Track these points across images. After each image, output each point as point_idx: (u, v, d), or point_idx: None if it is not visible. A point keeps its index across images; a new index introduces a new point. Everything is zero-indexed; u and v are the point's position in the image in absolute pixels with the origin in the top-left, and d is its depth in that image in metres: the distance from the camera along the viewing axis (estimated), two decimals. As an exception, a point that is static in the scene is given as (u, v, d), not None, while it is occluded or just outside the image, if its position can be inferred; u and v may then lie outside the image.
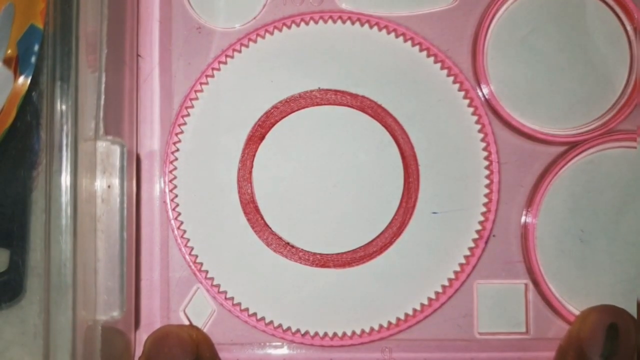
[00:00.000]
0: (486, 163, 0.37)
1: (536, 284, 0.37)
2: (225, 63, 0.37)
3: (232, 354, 0.37)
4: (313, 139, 0.37)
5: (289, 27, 0.38)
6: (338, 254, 0.37)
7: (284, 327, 0.37)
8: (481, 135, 0.37)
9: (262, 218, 0.37)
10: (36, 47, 0.33)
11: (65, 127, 0.30)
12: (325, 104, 0.37)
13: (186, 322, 0.37)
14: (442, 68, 0.37)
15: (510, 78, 0.37)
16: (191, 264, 0.37)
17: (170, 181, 0.37)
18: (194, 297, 0.37)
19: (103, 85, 0.31)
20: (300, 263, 0.37)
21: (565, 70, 0.37)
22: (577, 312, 0.36)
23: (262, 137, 0.37)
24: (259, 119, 0.37)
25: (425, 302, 0.37)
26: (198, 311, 0.37)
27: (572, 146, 0.37)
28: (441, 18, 0.38)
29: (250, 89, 0.37)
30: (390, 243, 0.37)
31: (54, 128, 0.30)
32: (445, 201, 0.37)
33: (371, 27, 0.37)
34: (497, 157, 0.37)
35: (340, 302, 0.37)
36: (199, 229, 0.37)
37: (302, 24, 0.37)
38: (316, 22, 0.38)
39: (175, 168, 0.37)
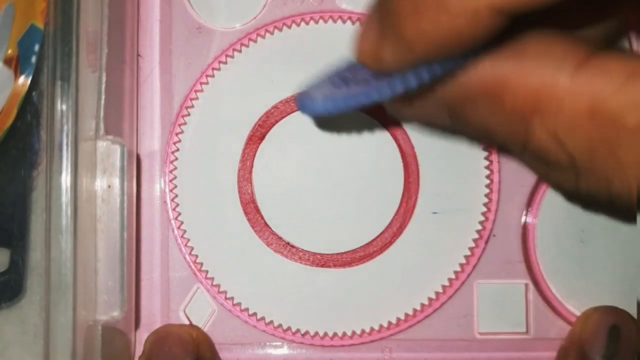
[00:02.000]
0: (486, 163, 0.37)
1: (536, 284, 0.37)
2: (226, 63, 0.37)
3: (232, 354, 0.37)
4: (313, 139, 0.37)
5: (289, 27, 0.38)
6: (338, 254, 0.37)
7: (284, 327, 0.37)
8: (481, 135, 0.37)
9: (262, 218, 0.37)
10: (36, 47, 0.33)
11: (65, 127, 0.30)
12: (325, 104, 0.37)
13: (186, 322, 0.37)
14: (442, 68, 0.37)
15: (510, 78, 0.37)
16: (191, 264, 0.37)
17: (171, 181, 0.37)
18: (194, 297, 0.37)
19: (103, 85, 0.31)
20: (300, 263, 0.37)
21: (565, 70, 0.37)
22: (577, 312, 0.36)
23: (262, 137, 0.37)
24: (259, 119, 0.37)
25: (425, 302, 0.37)
26: (198, 311, 0.37)
27: (572, 146, 0.37)
28: (441, 18, 0.37)
29: (251, 89, 0.37)
30: (390, 243, 0.37)
31: (54, 128, 0.30)
32: (445, 201, 0.37)
33: (371, 27, 0.37)
34: (497, 157, 0.37)
35: (340, 302, 0.37)
36: (199, 229, 0.37)
37: (302, 24, 0.37)
38: (316, 22, 0.38)
39: (176, 168, 0.37)
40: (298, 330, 0.37)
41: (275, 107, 0.37)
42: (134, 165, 0.35)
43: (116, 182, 0.32)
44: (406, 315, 0.37)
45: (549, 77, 0.22)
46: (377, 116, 0.37)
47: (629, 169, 0.21)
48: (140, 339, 0.36)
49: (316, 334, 0.37)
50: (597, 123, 0.21)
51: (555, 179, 0.24)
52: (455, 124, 0.25)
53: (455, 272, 0.37)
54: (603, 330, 0.33)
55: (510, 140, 0.23)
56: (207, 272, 0.37)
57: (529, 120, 0.22)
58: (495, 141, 0.25)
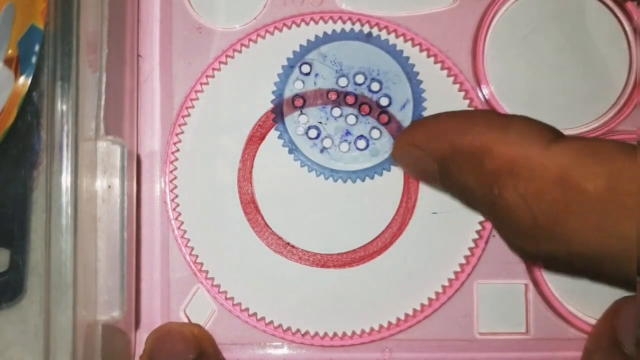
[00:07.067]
0: (486, 163, 0.37)
1: (536, 284, 0.37)
2: (226, 63, 0.38)
3: (232, 354, 0.37)
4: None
5: (289, 27, 0.38)
6: (338, 254, 0.37)
7: (284, 327, 0.37)
8: (481, 135, 0.37)
9: (262, 218, 0.37)
10: (37, 47, 0.33)
11: (65, 127, 0.30)
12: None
13: (186, 322, 0.37)
14: (442, 68, 0.37)
15: (510, 78, 0.38)
16: (191, 264, 0.37)
17: (171, 181, 0.37)
18: (194, 297, 0.37)
19: (103, 85, 0.31)
20: (300, 263, 0.37)
21: (565, 70, 0.37)
22: (577, 312, 0.36)
23: (262, 137, 0.37)
24: (259, 119, 0.37)
25: (425, 302, 0.37)
26: (198, 311, 0.37)
27: (572, 146, 0.37)
28: (441, 18, 0.38)
29: (251, 89, 0.37)
30: (390, 243, 0.37)
31: (54, 128, 0.30)
32: (445, 201, 0.37)
33: (371, 27, 0.37)
34: (497, 157, 0.37)
35: (340, 302, 0.37)
36: (199, 229, 0.37)
37: (302, 24, 0.38)
38: (316, 22, 0.38)
39: (176, 168, 0.37)
40: (298, 330, 0.37)
41: (275, 107, 0.37)
42: (134, 166, 0.35)
43: (116, 182, 0.32)
44: (406, 315, 0.37)
45: (525, 149, 0.27)
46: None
47: (587, 230, 0.25)
48: (141, 339, 0.36)
49: (316, 334, 0.37)
50: (562, 189, 0.26)
51: (517, 242, 0.28)
52: (441, 178, 0.30)
53: (455, 272, 0.37)
54: (636, 316, 0.32)
55: (482, 198, 0.28)
56: (207, 272, 0.37)
57: (503, 182, 0.27)
58: (469, 198, 0.30)
